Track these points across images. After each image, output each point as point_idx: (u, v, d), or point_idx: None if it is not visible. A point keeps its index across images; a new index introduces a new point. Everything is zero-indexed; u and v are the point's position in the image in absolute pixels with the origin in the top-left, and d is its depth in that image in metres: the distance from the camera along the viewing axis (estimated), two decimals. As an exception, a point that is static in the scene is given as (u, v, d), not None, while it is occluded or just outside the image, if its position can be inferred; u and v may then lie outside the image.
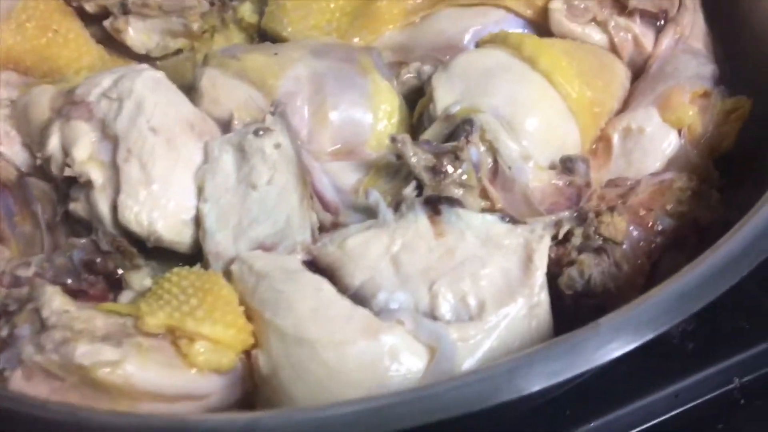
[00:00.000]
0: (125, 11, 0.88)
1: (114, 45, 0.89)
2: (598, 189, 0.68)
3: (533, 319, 0.56)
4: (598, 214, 0.61)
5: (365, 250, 0.59)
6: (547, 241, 0.59)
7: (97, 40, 0.89)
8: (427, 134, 0.72)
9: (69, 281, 0.64)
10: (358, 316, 0.55)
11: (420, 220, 0.60)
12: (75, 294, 0.63)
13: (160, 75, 0.74)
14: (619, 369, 0.57)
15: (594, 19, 0.80)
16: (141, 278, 0.67)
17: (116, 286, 0.66)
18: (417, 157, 0.66)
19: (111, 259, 0.65)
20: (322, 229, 0.66)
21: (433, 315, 0.56)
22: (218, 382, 0.55)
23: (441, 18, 0.83)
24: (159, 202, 0.66)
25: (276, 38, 0.86)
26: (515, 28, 0.82)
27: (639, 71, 0.80)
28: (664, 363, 0.68)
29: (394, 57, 0.84)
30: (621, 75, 0.79)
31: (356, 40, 0.83)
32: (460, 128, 0.69)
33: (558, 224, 0.61)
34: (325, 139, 0.74)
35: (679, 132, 0.73)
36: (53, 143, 0.70)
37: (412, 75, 0.82)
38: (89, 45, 0.87)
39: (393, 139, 0.66)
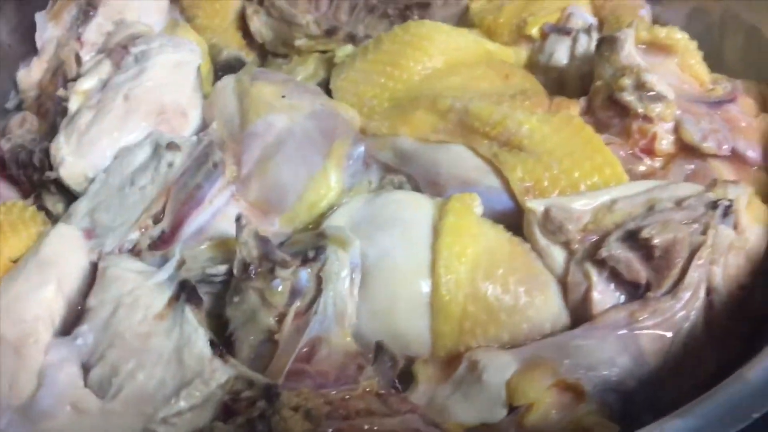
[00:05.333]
0: (260, 2, 0.98)
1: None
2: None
3: None
4: (296, 408, 0.55)
5: (113, 283, 0.63)
6: (209, 391, 0.56)
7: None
8: (296, 237, 0.70)
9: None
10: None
11: (163, 293, 0.61)
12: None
13: (189, 58, 0.83)
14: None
15: (566, 245, 0.68)
16: (54, 202, 0.78)
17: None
18: (246, 245, 0.65)
19: (35, 172, 0.78)
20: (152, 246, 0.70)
21: (85, 367, 0.58)
22: None
23: (449, 152, 0.77)
24: (78, 153, 0.76)
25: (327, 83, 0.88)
26: (501, 204, 0.74)
27: (581, 321, 0.67)
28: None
29: (392, 160, 0.81)
30: (544, 315, 0.67)
31: (377, 125, 0.82)
32: (311, 248, 0.66)
33: (250, 384, 0.57)
34: (255, 186, 0.76)
35: (511, 407, 0.61)
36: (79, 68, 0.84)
37: (393, 185, 0.80)
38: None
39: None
